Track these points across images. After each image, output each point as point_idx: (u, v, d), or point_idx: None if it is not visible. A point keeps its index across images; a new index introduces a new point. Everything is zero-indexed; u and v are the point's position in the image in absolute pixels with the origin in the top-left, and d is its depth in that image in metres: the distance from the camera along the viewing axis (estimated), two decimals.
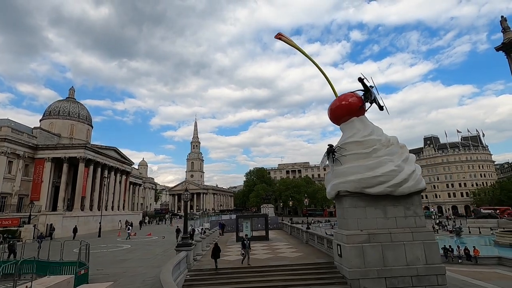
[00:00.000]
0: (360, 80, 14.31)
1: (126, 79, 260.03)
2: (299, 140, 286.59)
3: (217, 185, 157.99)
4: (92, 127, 57.34)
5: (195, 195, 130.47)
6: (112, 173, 51.33)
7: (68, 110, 52.06)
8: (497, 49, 55.64)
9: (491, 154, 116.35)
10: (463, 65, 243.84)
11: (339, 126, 15.31)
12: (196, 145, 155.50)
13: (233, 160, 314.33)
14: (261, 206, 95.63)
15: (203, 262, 16.23)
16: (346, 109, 14.64)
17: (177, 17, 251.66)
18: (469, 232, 45.45)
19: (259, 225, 25.80)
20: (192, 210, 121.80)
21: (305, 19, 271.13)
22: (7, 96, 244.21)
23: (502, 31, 51.85)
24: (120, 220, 41.72)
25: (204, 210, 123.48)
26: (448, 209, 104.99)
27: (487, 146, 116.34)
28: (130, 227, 41.83)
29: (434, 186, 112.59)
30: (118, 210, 53.60)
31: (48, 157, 42.00)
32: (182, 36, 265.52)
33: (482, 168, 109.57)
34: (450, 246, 24.89)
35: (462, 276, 20.02)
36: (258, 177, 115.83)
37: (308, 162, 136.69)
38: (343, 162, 13.96)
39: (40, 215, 35.43)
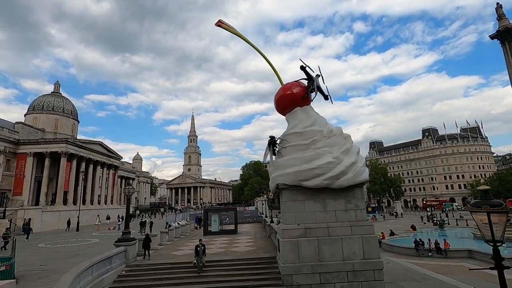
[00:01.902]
0: (302, 68, 13.66)
1: (129, 73, 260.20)
2: None
3: (215, 178, 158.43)
4: (78, 121, 57.16)
5: (192, 189, 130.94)
6: (99, 167, 51.33)
7: (53, 104, 51.85)
8: (492, 37, 53.94)
9: (490, 146, 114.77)
10: (469, 55, 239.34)
11: (285, 117, 14.76)
12: (193, 139, 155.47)
13: (237, 153, 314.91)
14: (255, 199, 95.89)
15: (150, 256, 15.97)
16: (289, 99, 14.06)
17: (178, 11, 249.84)
18: (457, 225, 44.90)
19: (228, 219, 25.49)
20: (189, 204, 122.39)
21: (307, 11, 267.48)
22: (12, 92, 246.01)
23: (497, 19, 50.17)
24: (98, 215, 41.75)
25: (201, 203, 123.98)
26: (445, 201, 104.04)
27: (487, 138, 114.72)
28: (121, 220, 41.89)
29: (432, 178, 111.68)
30: (106, 204, 53.79)
31: (30, 152, 41.96)
32: (184, 30, 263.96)
33: (481, 159, 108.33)
34: (420, 239, 24.40)
35: (424, 270, 19.64)
36: (254, 170, 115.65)
37: None
38: (283, 154, 13.48)
39: (18, 210, 35.56)
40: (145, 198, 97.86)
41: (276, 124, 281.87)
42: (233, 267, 13.44)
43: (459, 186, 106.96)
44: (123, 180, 75.56)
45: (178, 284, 12.29)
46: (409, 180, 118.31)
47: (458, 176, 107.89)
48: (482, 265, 20.06)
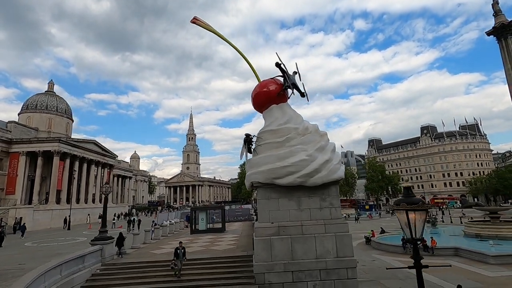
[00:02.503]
0: (277, 65, 13.55)
1: (130, 72, 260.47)
2: None
3: (215, 177, 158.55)
4: (73, 120, 57.14)
5: (190, 187, 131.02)
6: (93, 166, 51.33)
7: (46, 103, 51.82)
8: (488, 33, 53.48)
9: (489, 143, 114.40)
10: (470, 52, 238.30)
11: (262, 114, 14.64)
12: (192, 138, 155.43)
13: (237, 152, 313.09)
14: (252, 198, 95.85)
15: (130, 255, 15.94)
16: (265, 97, 13.94)
17: (178, 9, 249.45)
18: (451, 222, 44.74)
19: (215, 217, 25.43)
20: (187, 202, 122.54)
21: (308, 9, 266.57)
22: (13, 92, 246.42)
23: (493, 15, 49.71)
24: (89, 214, 41.75)
25: (200, 202, 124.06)
26: (442, 199, 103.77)
27: (485, 135, 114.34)
28: (116, 219, 42.03)
29: (430, 175, 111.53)
30: (101, 203, 53.74)
31: (23, 151, 41.96)
32: (184, 28, 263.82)
33: (479, 157, 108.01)
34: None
35: (408, 268, 19.52)
36: None
37: None
38: (258, 152, 13.38)
39: (10, 209, 35.61)
40: (143, 196, 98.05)
41: None
42: (207, 266, 13.39)
43: (458, 184, 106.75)
44: (120, 179, 75.70)
45: (150, 282, 12.24)
46: (407, 178, 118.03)
47: (456, 174, 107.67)
48: (469, 263, 20.06)
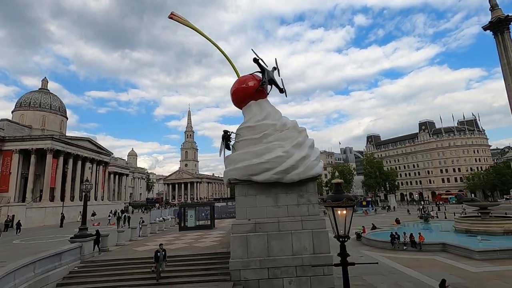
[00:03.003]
0: (255, 61, 13.43)
1: (129, 69, 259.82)
2: (303, 128, 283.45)
3: (213, 174, 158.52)
4: (67, 118, 56.97)
5: (189, 184, 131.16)
6: (87, 163, 51.29)
7: (39, 101, 51.67)
8: (485, 28, 52.89)
9: (487, 139, 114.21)
10: (471, 47, 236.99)
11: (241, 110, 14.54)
12: (190, 135, 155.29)
13: None
14: None
15: (111, 252, 15.96)
16: (243, 93, 13.84)
17: (177, 6, 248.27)
18: (445, 218, 44.72)
19: (203, 214, 25.42)
20: (186, 199, 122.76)
21: (307, 5, 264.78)
22: (13, 90, 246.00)
23: (490, 9, 49.17)
24: (80, 211, 41.58)
25: (199, 198, 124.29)
26: (440, 194, 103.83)
27: (484, 131, 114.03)
28: (112, 216, 42.14)
29: (428, 171, 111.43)
30: (96, 200, 53.88)
31: (16, 149, 41.91)
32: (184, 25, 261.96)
33: (477, 152, 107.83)
34: (396, 233, 24.28)
35: (394, 263, 19.56)
36: None
37: None
38: (236, 149, 13.32)
39: (3, 207, 35.66)
40: (140, 194, 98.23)
41: None
42: (186, 263, 13.37)
43: (455, 179, 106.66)
44: (116, 176, 75.73)
45: (127, 279, 12.24)
46: (405, 174, 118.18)
47: (454, 169, 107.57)
48: (455, 258, 20.07)
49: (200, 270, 12.56)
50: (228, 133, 13.61)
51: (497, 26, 46.20)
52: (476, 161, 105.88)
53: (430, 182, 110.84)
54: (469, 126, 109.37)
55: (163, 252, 12.21)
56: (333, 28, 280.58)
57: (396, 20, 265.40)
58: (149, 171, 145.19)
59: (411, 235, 23.32)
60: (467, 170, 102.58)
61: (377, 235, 28.38)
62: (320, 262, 12.00)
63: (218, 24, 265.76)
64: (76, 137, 49.60)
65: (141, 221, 24.67)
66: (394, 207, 69.58)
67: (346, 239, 4.24)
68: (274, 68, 13.96)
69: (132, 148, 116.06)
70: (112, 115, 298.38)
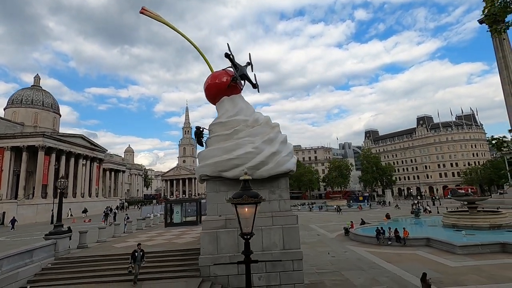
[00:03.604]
0: (227, 56, 13.27)
1: (129, 66, 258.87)
2: (304, 123, 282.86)
3: None
4: (60, 115, 56.87)
5: (187, 180, 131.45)
6: (81, 160, 51.35)
7: (32, 98, 51.53)
8: (480, 21, 52.45)
9: (485, 133, 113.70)
10: (472, 41, 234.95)
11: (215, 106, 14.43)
12: (188, 131, 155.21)
13: None
14: None
15: (90, 248, 16.00)
16: (216, 88, 13.71)
17: (176, 1, 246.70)
18: (438, 213, 44.74)
19: (189, 210, 25.45)
20: (184, 195, 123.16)
21: None
22: (13, 87, 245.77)
23: (483, 0, 48.86)
24: (70, 208, 41.86)
25: (197, 194, 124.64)
26: (437, 189, 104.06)
27: (482, 125, 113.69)
28: (109, 213, 42.22)
29: (426, 166, 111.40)
30: (90, 197, 54.08)
31: (7, 146, 41.92)
32: (183, 20, 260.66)
33: (475, 147, 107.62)
34: (382, 228, 24.31)
35: (376, 259, 19.61)
36: None
37: (300, 145, 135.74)
38: (209, 145, 13.24)
39: None
40: (138, 190, 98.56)
41: (278, 115, 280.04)
42: (160, 259, 13.38)
43: (453, 174, 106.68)
44: (112, 173, 75.90)
45: (99, 276, 12.27)
46: (403, 169, 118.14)
47: (452, 164, 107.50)
48: (437, 253, 20.11)
49: (172, 267, 12.58)
50: (201, 129, 13.54)
51: (492, 19, 45.82)
52: (473, 155, 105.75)
53: (428, 177, 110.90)
54: (467, 120, 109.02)
55: (141, 253, 11.78)
56: (333, 23, 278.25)
57: (397, 14, 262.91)
58: (149, 168, 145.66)
59: (396, 230, 23.35)
60: (464, 165, 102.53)
61: (365, 230, 28.43)
62: (290, 257, 12.04)
63: (218, 19, 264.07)
64: (69, 134, 49.57)
65: (126, 218, 24.72)
66: (389, 202, 69.66)
67: (250, 237, 4.15)
68: (248, 64, 13.82)
69: (129, 145, 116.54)
70: (112, 112, 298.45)
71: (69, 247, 14.90)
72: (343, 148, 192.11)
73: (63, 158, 47.24)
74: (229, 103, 13.49)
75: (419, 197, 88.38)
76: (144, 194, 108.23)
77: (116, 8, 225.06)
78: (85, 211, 40.89)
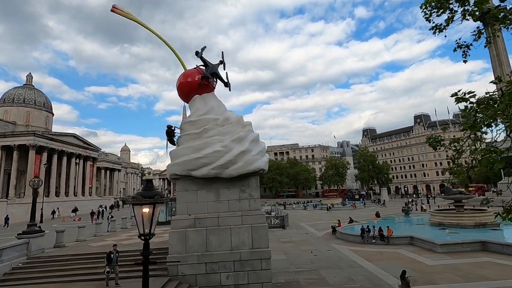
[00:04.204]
0: (197, 54, 13.21)
1: (129, 64, 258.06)
2: (304, 122, 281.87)
3: None
4: (53, 114, 56.76)
5: None
6: (73, 159, 51.32)
7: (24, 97, 51.41)
8: (475, 19, 52.30)
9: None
10: (473, 39, 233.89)
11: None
12: None
13: None
14: None
15: (65, 248, 15.99)
16: (187, 87, 13.66)
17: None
18: (430, 210, 44.76)
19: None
20: None
21: None
22: (12, 85, 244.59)
23: None
24: (58, 207, 41.75)
25: None
26: (434, 187, 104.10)
27: None
28: (95, 212, 42.24)
29: (423, 164, 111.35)
30: (83, 196, 54.09)
31: None
32: (182, 19, 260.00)
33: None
34: (367, 226, 24.30)
35: (357, 257, 19.61)
36: None
37: (297, 144, 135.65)
38: (180, 144, 13.20)
39: None
40: (134, 189, 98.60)
41: (278, 113, 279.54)
42: (132, 258, 13.34)
43: (450, 173, 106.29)
44: (108, 172, 75.90)
45: (69, 275, 12.26)
46: (400, 167, 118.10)
47: (448, 162, 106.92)
48: (418, 252, 20.10)
49: (140, 266, 12.52)
50: (172, 128, 13.48)
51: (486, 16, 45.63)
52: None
53: (425, 175, 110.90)
54: (464, 118, 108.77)
55: (117, 254, 11.52)
56: (333, 21, 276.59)
57: (397, 12, 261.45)
58: (146, 166, 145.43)
59: (380, 228, 23.34)
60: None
61: (352, 229, 28.45)
62: (258, 257, 12.01)
63: (218, 18, 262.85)
64: (61, 133, 49.51)
65: (109, 216, 24.71)
66: (384, 200, 69.65)
67: (149, 237, 4.10)
68: (221, 62, 13.76)
69: (125, 144, 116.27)
70: (112, 111, 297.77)
71: (43, 246, 14.87)
72: (341, 147, 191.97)
73: (55, 157, 47.20)
74: (200, 102, 13.44)
75: (414, 195, 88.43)
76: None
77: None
78: (75, 210, 40.90)
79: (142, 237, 4.02)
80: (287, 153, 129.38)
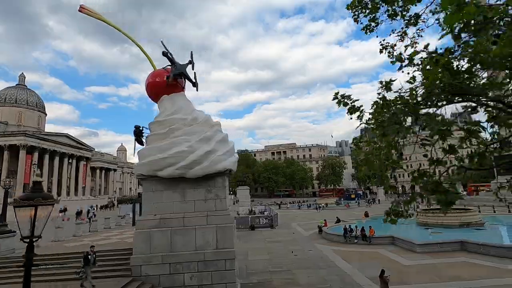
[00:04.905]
0: (164, 54, 13.14)
1: (129, 64, 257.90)
2: (304, 121, 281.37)
3: None
4: (45, 114, 56.81)
5: None
6: (66, 159, 51.36)
7: (15, 97, 51.46)
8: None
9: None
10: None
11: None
12: None
13: (239, 142, 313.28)
14: (237, 188, 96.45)
15: (38, 248, 15.94)
16: (155, 87, 13.63)
17: None
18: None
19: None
20: None
21: None
22: (13, 86, 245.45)
23: None
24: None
25: None
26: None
27: (478, 122, 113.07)
28: (89, 210, 42.28)
29: (420, 163, 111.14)
30: (76, 195, 54.14)
31: None
32: (183, 18, 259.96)
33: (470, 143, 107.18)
34: (350, 226, 24.24)
35: (336, 257, 19.60)
36: (242, 159, 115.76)
37: (295, 143, 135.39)
38: (147, 144, 13.16)
39: None
40: (130, 188, 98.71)
41: (278, 113, 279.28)
42: (100, 259, 13.29)
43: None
44: (103, 171, 75.96)
45: (34, 275, 12.19)
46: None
47: (445, 162, 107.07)
48: (397, 252, 20.04)
49: (109, 266, 12.54)
50: (140, 128, 13.44)
51: None
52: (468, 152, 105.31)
53: None
54: (462, 117, 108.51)
55: (94, 255, 11.30)
56: (333, 20, 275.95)
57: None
58: None
59: (362, 228, 23.27)
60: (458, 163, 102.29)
61: (338, 229, 28.37)
62: (222, 257, 11.95)
63: (218, 17, 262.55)
64: (53, 133, 49.55)
65: (92, 216, 24.68)
66: (378, 200, 69.50)
67: (34, 240, 4.02)
68: (190, 62, 13.69)
69: (122, 143, 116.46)
70: (113, 110, 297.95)
71: (13, 247, 14.85)
72: (340, 146, 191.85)
73: (47, 157, 47.24)
74: (168, 102, 13.39)
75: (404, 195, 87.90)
76: (138, 193, 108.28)
77: (116, 6, 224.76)
78: (64, 210, 40.89)
79: (25, 240, 3.94)
80: (284, 152, 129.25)
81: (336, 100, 3.83)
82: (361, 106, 3.87)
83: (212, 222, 12.24)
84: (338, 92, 3.86)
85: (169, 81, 13.01)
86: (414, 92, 3.49)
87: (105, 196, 67.50)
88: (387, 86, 3.86)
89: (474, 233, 22.36)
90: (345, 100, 3.80)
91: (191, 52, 13.86)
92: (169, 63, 13.35)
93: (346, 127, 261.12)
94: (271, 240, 26.90)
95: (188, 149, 12.10)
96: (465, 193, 62.73)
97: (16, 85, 54.61)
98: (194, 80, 13.46)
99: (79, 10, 13.65)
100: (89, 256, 11.15)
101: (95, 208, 50.60)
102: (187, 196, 12.59)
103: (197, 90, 13.53)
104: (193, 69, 13.67)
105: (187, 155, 12.04)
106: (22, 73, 55.17)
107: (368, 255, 19.52)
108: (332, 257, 19.76)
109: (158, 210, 12.49)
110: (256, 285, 14.71)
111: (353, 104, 3.76)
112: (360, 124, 3.95)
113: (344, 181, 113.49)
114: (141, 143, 13.43)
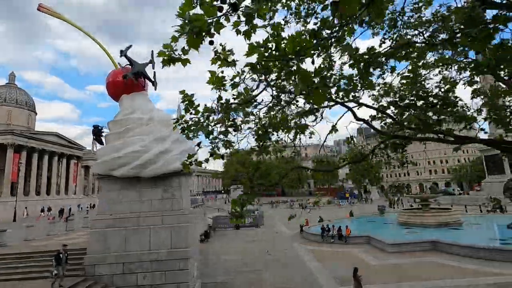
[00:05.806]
0: (122, 54, 13.09)
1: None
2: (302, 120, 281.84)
3: (206, 167, 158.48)
4: (36, 113, 56.77)
5: None
6: (55, 158, 51.31)
7: (5, 96, 51.38)
8: None
9: (476, 130, 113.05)
10: None
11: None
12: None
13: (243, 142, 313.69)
14: (231, 187, 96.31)
15: (5, 247, 15.97)
16: (114, 86, 13.64)
17: None
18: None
19: None
20: None
21: None
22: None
23: None
24: (26, 207, 41.44)
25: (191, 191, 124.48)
26: (426, 186, 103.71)
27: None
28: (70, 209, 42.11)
29: (416, 163, 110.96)
30: (66, 194, 54.12)
31: None
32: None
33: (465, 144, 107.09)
34: (327, 226, 24.20)
35: (310, 257, 19.66)
36: (237, 158, 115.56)
37: (290, 142, 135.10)
38: (105, 143, 13.13)
39: None
40: None
41: None
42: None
43: (443, 171, 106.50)
44: None
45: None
46: (394, 166, 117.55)
47: (441, 161, 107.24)
48: (371, 251, 20.01)
49: (71, 265, 12.48)
50: (99, 128, 13.42)
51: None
52: (463, 152, 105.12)
53: (418, 174, 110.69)
54: None
55: (66, 254, 11.13)
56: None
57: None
58: None
59: (339, 228, 23.22)
60: (454, 162, 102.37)
61: (318, 229, 28.32)
62: (175, 257, 11.93)
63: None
64: (42, 131, 49.51)
65: (70, 214, 24.67)
66: (371, 199, 69.44)
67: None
68: (150, 61, 13.66)
69: None
70: (113, 110, 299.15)
71: None
72: (337, 145, 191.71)
73: (36, 156, 47.22)
74: (127, 101, 13.38)
75: (399, 194, 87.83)
76: None
77: (117, 5, 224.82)
78: (49, 209, 40.83)
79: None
80: (280, 151, 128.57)
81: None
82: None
83: (167, 222, 12.22)
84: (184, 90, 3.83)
85: (126, 80, 12.97)
86: None
87: (95, 195, 67.28)
88: None
89: (449, 233, 22.31)
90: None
91: (152, 51, 13.83)
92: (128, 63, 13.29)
93: (348, 126, 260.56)
94: (251, 240, 26.89)
95: (142, 148, 12.08)
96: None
97: (6, 84, 54.48)
98: (153, 80, 13.42)
99: (38, 9, 13.60)
100: (61, 255, 10.98)
101: (88, 207, 50.65)
102: (144, 196, 12.56)
103: (155, 89, 13.50)
104: (153, 68, 13.63)
105: (141, 155, 12.02)
106: (12, 72, 55.13)
107: (341, 255, 19.50)
108: (306, 257, 19.75)
109: (114, 210, 12.46)
110: (218, 285, 14.69)
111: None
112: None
113: (344, 181, 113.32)
114: (100, 142, 13.41)
